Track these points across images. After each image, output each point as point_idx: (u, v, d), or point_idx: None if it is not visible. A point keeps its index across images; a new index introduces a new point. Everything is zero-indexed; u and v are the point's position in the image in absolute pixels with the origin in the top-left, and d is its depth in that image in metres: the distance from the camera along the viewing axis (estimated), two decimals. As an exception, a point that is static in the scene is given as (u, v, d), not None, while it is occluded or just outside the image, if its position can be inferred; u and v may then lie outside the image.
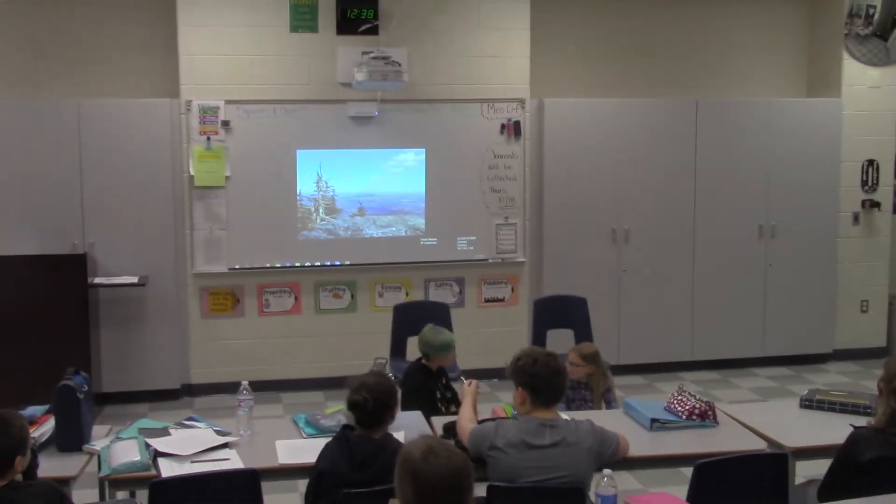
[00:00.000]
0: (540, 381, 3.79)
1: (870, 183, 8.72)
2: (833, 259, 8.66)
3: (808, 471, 4.44)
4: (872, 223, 8.79)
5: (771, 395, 7.69)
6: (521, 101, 7.93)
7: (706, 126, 8.27)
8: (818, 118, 8.49)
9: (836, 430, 4.20)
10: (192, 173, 7.44)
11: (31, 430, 3.73)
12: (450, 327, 6.87)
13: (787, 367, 8.53)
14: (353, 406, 3.78)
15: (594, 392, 5.46)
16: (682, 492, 3.64)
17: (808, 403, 4.79)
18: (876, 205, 8.72)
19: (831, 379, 8.15)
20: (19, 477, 3.44)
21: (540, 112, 8.05)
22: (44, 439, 4.16)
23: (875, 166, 8.71)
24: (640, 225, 8.23)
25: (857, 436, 3.79)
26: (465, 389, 4.32)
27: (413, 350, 6.75)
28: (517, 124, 7.94)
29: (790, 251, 8.50)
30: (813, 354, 8.69)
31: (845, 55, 8.52)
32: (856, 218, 8.75)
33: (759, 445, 4.27)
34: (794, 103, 8.58)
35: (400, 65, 7.29)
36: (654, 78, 8.60)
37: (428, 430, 4.45)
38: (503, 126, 7.93)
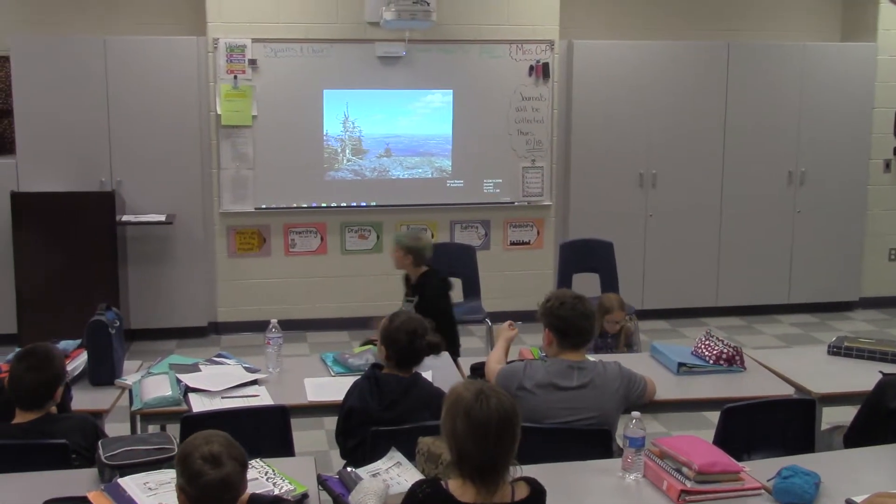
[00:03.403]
0: (567, 323, 3.80)
1: (903, 130, 8.61)
2: (862, 206, 8.57)
3: (835, 417, 4.45)
4: (904, 171, 8.70)
5: (795, 342, 7.68)
6: (551, 43, 7.84)
7: (737, 69, 8.15)
8: (852, 63, 8.34)
9: (863, 376, 4.20)
10: (219, 112, 7.42)
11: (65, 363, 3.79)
12: (475, 269, 6.92)
13: (813, 314, 8.50)
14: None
15: (619, 339, 5.48)
16: (707, 436, 3.65)
17: (837, 350, 4.77)
18: (908, 152, 8.62)
19: (857, 327, 8.11)
20: (54, 409, 3.52)
21: (569, 54, 7.95)
22: (76, 373, 4.22)
23: (908, 113, 8.58)
24: (668, 169, 8.16)
25: (885, 382, 3.79)
26: (503, 332, 4.32)
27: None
28: (546, 66, 7.85)
29: (819, 198, 8.42)
30: (839, 302, 8.66)
31: (882, -2, 8.36)
32: (887, 165, 8.63)
33: (787, 391, 4.27)
34: (828, 47, 8.43)
35: (428, 4, 7.19)
36: (686, 19, 8.46)
37: (455, 370, 4.48)
38: (531, 68, 7.84)
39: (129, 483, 3.01)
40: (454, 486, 2.61)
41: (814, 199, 8.41)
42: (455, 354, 5.57)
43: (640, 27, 8.34)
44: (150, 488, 2.99)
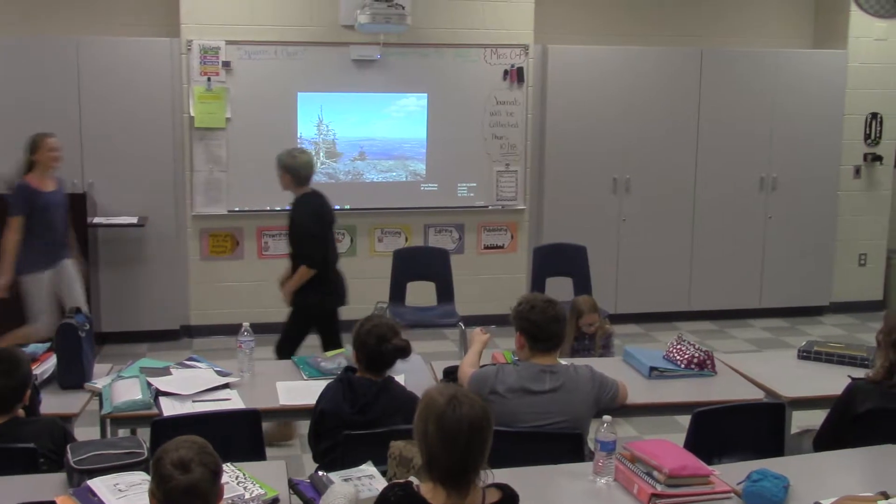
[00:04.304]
0: (537, 327, 3.80)
1: (872, 136, 8.69)
2: (833, 212, 8.66)
3: (805, 420, 4.48)
4: (874, 177, 8.78)
5: (767, 346, 7.73)
6: (525, 47, 7.86)
7: (710, 76, 8.21)
8: (823, 70, 8.42)
9: (833, 381, 4.22)
10: (192, 114, 7.39)
11: (32, 368, 3.75)
12: (449, 273, 6.92)
13: (784, 318, 8.56)
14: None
15: (595, 341, 5.50)
16: (678, 440, 3.66)
17: (806, 354, 4.82)
18: (878, 158, 8.70)
19: (827, 331, 8.19)
20: (21, 412, 3.48)
21: (543, 58, 7.98)
22: (46, 376, 4.18)
23: (878, 120, 8.66)
24: (641, 174, 8.20)
25: (855, 387, 3.82)
26: (476, 336, 4.33)
27: (413, 294, 6.81)
28: (520, 70, 7.87)
29: (790, 203, 8.49)
30: (810, 307, 8.73)
31: (852, 6, 8.43)
32: (857, 171, 8.73)
33: (757, 395, 4.30)
34: (800, 54, 8.50)
35: (403, 7, 7.20)
36: (659, 25, 8.51)
37: (429, 374, 4.48)
38: (506, 72, 7.86)
39: (98, 485, 2.98)
40: (426, 489, 2.61)
41: (785, 205, 8.48)
42: (336, 301, 5.71)
43: (614, 33, 8.38)
44: (119, 490, 2.97)
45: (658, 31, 8.50)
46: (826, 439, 3.84)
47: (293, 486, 3.23)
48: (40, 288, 5.97)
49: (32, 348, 4.28)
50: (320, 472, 3.25)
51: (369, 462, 3.30)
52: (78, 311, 4.37)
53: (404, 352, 3.88)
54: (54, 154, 6.05)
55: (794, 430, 4.36)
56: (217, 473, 2.52)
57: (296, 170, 5.61)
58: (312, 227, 5.62)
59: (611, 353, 5.56)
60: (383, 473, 3.24)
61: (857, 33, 8.48)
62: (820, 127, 8.46)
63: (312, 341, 7.43)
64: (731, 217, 8.42)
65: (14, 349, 3.57)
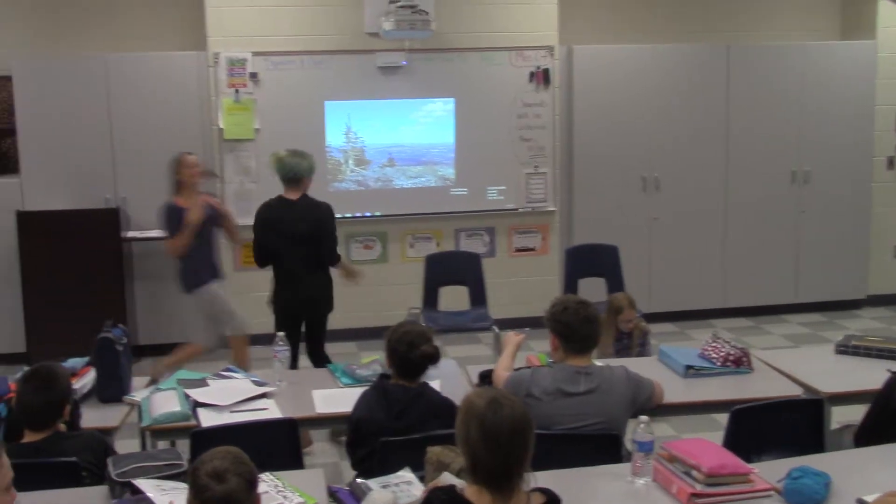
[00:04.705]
0: (570, 328, 3.80)
1: (905, 127, 8.61)
2: (867, 204, 8.56)
3: (844, 416, 4.43)
4: (907, 168, 8.70)
5: (803, 341, 7.66)
6: (550, 49, 7.85)
7: (738, 71, 8.15)
8: (852, 61, 8.33)
9: (871, 375, 4.19)
10: (221, 126, 7.45)
11: (72, 382, 3.80)
12: (481, 277, 6.92)
13: (820, 313, 8.48)
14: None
15: (633, 339, 5.48)
16: (716, 438, 3.64)
17: (844, 349, 4.77)
18: (911, 149, 8.62)
19: (864, 325, 8.10)
20: (62, 426, 3.53)
21: (569, 59, 7.96)
22: (85, 391, 4.24)
23: (910, 109, 8.58)
24: (671, 172, 8.16)
25: (894, 381, 3.78)
26: (510, 339, 4.33)
27: (446, 299, 6.82)
28: (546, 72, 7.86)
29: (823, 197, 8.41)
30: (846, 300, 8.64)
31: (880, -4, 8.36)
32: (890, 162, 8.63)
33: (795, 391, 4.27)
34: (828, 46, 8.43)
35: (427, 13, 7.22)
36: (684, 22, 8.47)
37: (463, 379, 4.49)
38: (532, 74, 7.85)
39: (143, 483, 3.08)
40: (470, 492, 2.61)
41: (818, 199, 8.40)
42: (279, 306, 5.76)
43: (639, 31, 8.35)
44: (163, 490, 3.06)
45: (683, 28, 8.45)
46: (867, 434, 3.80)
47: (332, 493, 3.24)
48: (211, 300, 6.18)
49: (71, 363, 4.33)
50: (359, 480, 3.26)
51: (407, 468, 3.31)
52: (115, 324, 4.42)
53: (433, 358, 3.87)
54: (194, 171, 6.14)
55: (833, 425, 4.32)
56: (252, 483, 2.54)
57: (277, 171, 5.73)
58: (254, 226, 5.84)
59: (648, 352, 5.54)
60: (420, 479, 3.25)
61: (886, 23, 8.38)
62: (851, 119, 8.37)
63: (348, 349, 7.50)
64: (764, 212, 8.35)
65: (53, 365, 3.62)
